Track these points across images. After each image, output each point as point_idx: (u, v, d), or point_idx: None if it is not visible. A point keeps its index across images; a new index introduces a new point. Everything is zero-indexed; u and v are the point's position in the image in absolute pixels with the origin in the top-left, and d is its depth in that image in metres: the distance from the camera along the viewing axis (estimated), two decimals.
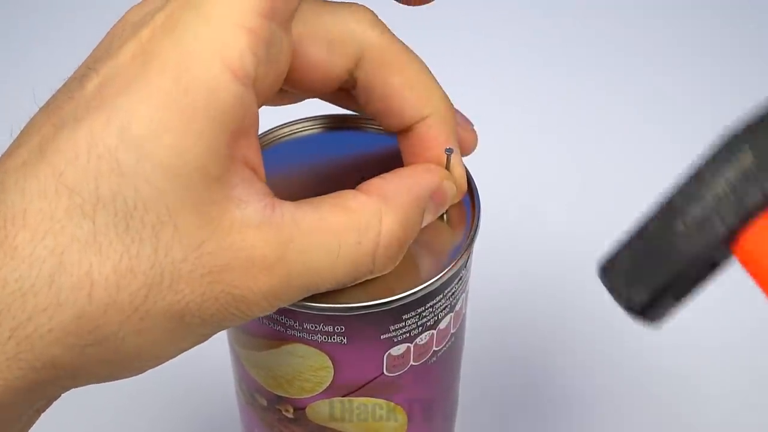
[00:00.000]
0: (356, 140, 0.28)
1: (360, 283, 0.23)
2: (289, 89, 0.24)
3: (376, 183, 0.23)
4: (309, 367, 0.25)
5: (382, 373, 0.26)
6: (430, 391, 0.28)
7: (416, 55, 0.24)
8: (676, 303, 0.19)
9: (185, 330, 0.19)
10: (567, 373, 0.43)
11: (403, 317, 0.24)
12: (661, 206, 0.19)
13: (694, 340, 0.44)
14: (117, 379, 0.21)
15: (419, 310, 0.24)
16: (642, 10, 0.65)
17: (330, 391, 0.26)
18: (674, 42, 0.63)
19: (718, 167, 0.18)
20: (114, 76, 0.19)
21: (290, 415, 0.27)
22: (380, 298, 0.23)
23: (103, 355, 0.19)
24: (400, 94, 0.24)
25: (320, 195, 0.22)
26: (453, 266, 0.24)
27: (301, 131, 0.28)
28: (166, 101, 0.18)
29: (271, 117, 0.28)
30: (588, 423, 0.41)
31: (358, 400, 0.26)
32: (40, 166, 0.18)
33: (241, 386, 0.29)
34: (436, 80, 0.24)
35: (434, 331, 0.26)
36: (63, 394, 0.20)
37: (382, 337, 0.24)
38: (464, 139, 0.26)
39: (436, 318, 0.25)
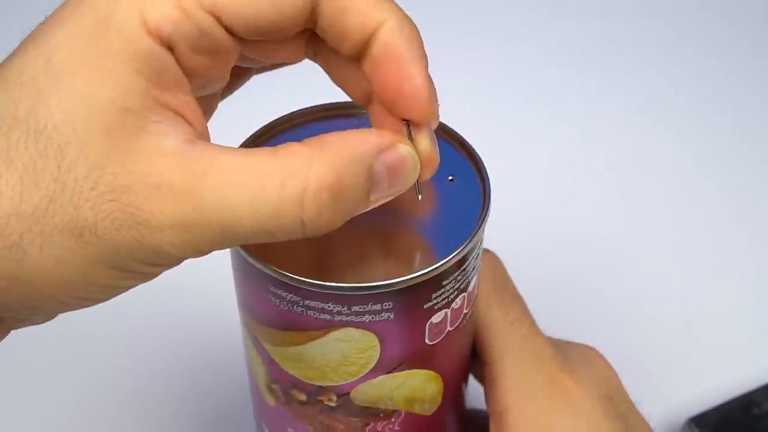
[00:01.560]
0: (347, 128, 0.29)
1: (396, 258, 0.24)
2: (254, 28, 0.22)
3: (319, 136, 0.22)
4: (357, 349, 0.26)
5: (424, 342, 0.26)
6: (461, 355, 0.29)
7: None
8: None
9: (88, 252, 0.20)
10: None
11: (443, 283, 0.25)
12: None
13: (695, 339, 0.46)
14: (39, 311, 0.22)
15: (455, 275, 0.25)
16: (644, 11, 0.66)
17: (375, 371, 0.26)
18: (676, 43, 0.64)
19: None
20: (56, 18, 0.21)
21: (333, 404, 0.28)
22: (422, 269, 0.24)
23: (9, 268, 0.20)
24: (349, 9, 0.22)
25: None
26: (481, 225, 0.25)
27: (296, 121, 0.29)
28: (86, 38, 0.20)
29: (270, 116, 0.29)
30: None
31: (400, 375, 0.27)
32: None
33: (271, 388, 0.29)
34: None
35: (465, 294, 0.27)
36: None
37: (425, 306, 0.25)
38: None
39: (467, 280, 0.26)
